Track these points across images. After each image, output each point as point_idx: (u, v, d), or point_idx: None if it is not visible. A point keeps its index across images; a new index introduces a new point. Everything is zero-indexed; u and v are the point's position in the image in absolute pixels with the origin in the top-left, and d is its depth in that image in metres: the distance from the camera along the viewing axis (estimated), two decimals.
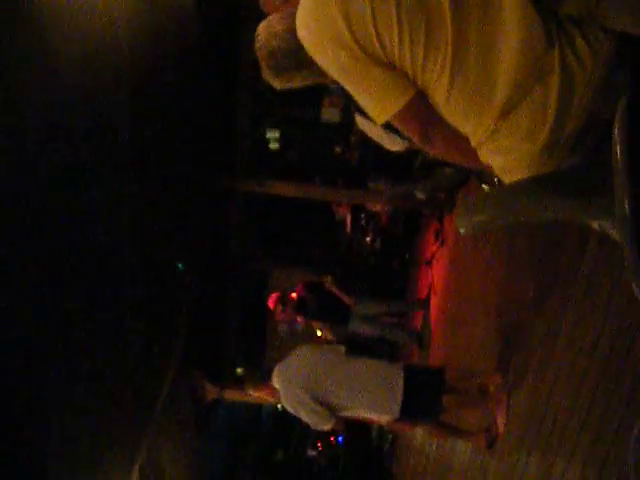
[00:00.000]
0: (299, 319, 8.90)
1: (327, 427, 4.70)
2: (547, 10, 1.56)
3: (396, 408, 4.62)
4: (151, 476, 7.41)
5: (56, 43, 3.73)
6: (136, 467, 6.65)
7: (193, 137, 7.51)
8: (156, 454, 7.71)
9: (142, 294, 5.93)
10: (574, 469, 3.30)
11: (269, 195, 9.91)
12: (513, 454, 4.27)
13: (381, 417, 4.75)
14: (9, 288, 3.62)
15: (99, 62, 4.43)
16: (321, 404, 4.61)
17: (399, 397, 4.63)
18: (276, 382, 4.77)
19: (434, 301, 9.08)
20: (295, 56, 2.01)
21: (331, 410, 4.64)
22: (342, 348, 5.09)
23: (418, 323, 9.87)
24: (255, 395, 5.11)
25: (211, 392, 9.66)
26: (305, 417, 4.69)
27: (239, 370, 14.21)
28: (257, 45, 2.21)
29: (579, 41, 1.54)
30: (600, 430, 3.08)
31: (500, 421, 4.59)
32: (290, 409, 4.74)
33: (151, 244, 6.15)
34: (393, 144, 5.45)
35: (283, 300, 8.47)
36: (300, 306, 8.46)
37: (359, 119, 5.52)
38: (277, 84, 2.27)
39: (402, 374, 4.74)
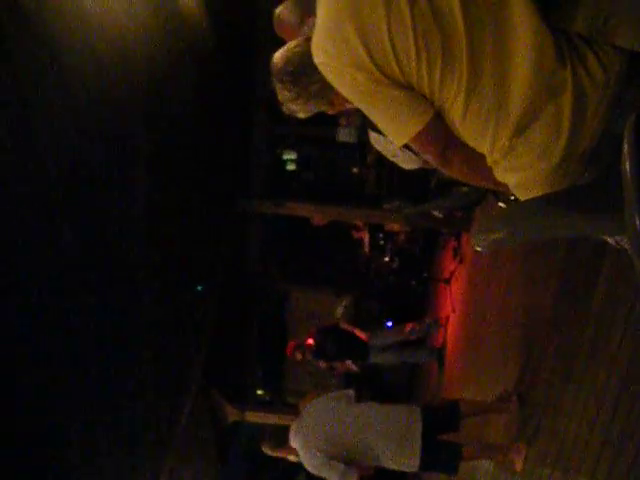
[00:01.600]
0: (321, 364, 8.93)
1: None
2: (557, 29, 1.57)
3: (416, 461, 4.58)
4: None
5: (72, 73, 3.79)
6: None
7: (210, 159, 7.56)
8: (177, 477, 7.70)
9: (162, 316, 5.96)
10: None
11: (287, 216, 9.94)
12: (536, 471, 4.24)
13: (401, 468, 4.70)
14: (32, 312, 3.67)
15: (115, 84, 4.49)
16: (341, 461, 4.62)
17: (417, 450, 4.59)
18: (293, 443, 4.81)
19: (453, 319, 9.04)
20: (314, 72, 1.96)
21: (353, 463, 4.65)
22: (351, 392, 5.10)
23: (438, 340, 9.84)
24: (274, 455, 5.12)
25: (232, 414, 9.65)
26: (327, 476, 4.70)
27: (260, 391, 14.17)
28: (274, 70, 2.16)
29: (591, 59, 1.55)
30: (621, 445, 3.07)
31: (518, 466, 4.55)
32: (311, 469, 4.75)
33: (170, 267, 6.18)
34: (408, 162, 5.45)
35: (301, 348, 8.54)
36: (318, 351, 8.53)
37: (373, 136, 5.51)
38: (296, 108, 2.20)
39: (420, 420, 4.69)
